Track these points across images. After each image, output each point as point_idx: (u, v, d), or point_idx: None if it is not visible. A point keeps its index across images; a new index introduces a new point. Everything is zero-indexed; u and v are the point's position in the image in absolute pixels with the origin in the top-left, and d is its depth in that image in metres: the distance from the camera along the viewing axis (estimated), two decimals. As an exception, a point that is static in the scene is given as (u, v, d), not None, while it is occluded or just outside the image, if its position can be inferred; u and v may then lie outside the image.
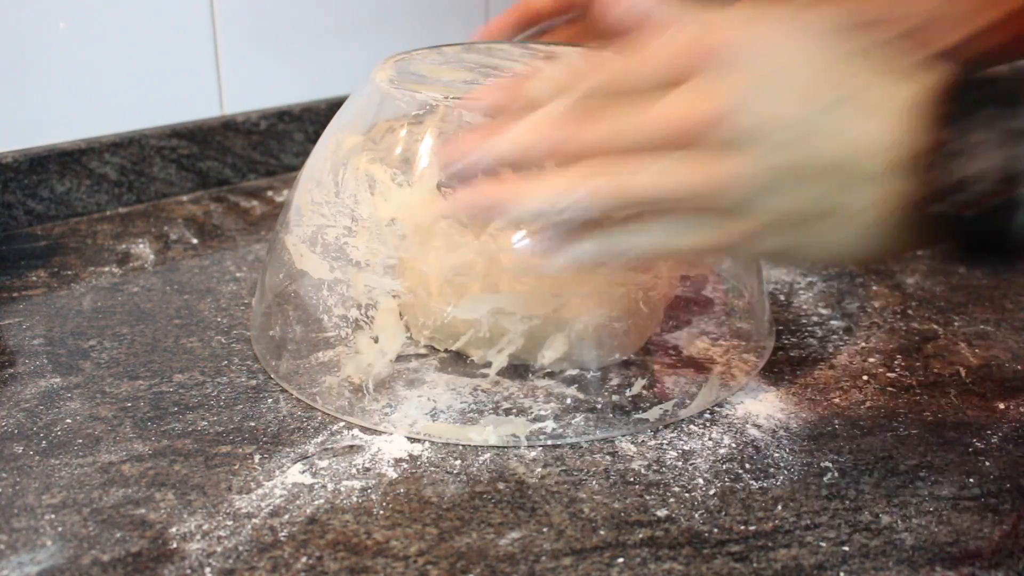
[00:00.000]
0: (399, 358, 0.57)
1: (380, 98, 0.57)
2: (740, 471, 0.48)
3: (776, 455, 0.49)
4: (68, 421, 0.51)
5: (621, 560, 0.42)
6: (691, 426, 0.51)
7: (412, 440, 0.50)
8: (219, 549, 0.42)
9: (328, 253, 0.55)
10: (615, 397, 0.54)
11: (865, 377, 0.57)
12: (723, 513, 0.45)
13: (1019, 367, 0.58)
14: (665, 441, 0.50)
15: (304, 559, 0.42)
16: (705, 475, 0.47)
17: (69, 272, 0.69)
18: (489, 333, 0.53)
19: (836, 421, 0.52)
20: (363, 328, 0.54)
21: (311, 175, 0.58)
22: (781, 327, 0.63)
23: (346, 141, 0.57)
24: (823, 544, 0.43)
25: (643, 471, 0.48)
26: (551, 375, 0.55)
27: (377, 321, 0.54)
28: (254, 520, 0.44)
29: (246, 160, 0.89)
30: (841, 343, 0.61)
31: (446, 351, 0.57)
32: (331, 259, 0.54)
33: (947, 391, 0.55)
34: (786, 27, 0.38)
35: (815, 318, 0.64)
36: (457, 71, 0.59)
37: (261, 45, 0.88)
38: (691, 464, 0.48)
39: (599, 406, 0.53)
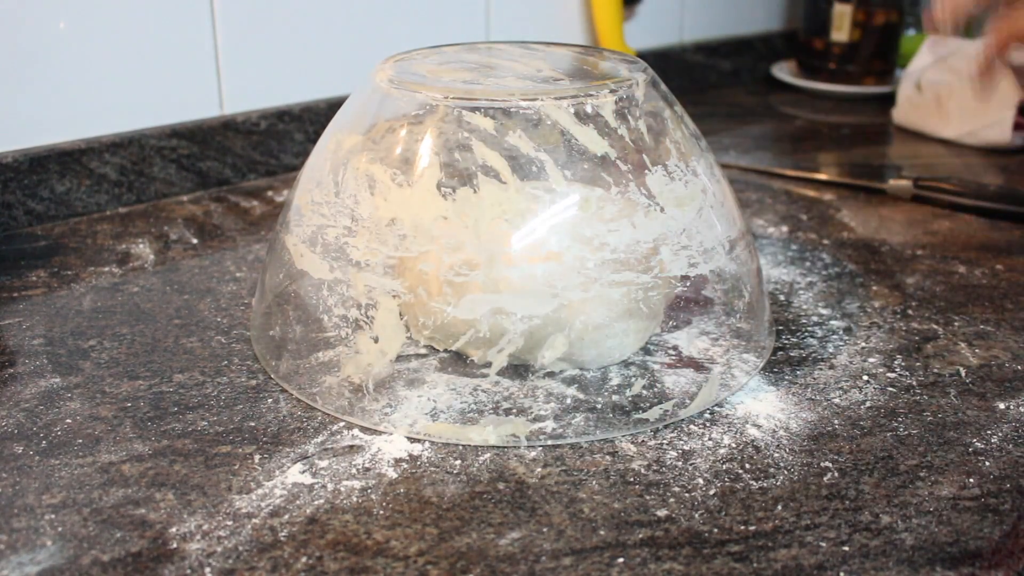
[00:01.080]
0: (399, 358, 0.57)
1: (380, 98, 0.57)
2: (740, 471, 0.48)
3: (776, 455, 0.49)
4: (68, 421, 0.51)
5: (621, 560, 0.42)
6: (691, 426, 0.51)
7: (412, 440, 0.50)
8: (219, 549, 0.42)
9: (328, 253, 0.55)
10: (615, 397, 0.54)
11: (865, 377, 0.57)
12: (723, 513, 0.45)
13: (1019, 367, 0.58)
14: (665, 441, 0.50)
15: (304, 559, 0.42)
16: (705, 475, 0.47)
17: (69, 272, 0.70)
18: (489, 333, 0.53)
19: (836, 421, 0.52)
20: (363, 328, 0.54)
21: (311, 175, 0.58)
22: (781, 327, 0.63)
23: (346, 141, 0.57)
24: (823, 544, 0.43)
25: (643, 471, 0.48)
26: (551, 375, 0.55)
27: (377, 321, 0.54)
28: (254, 520, 0.44)
29: (246, 160, 0.89)
30: (841, 343, 0.61)
31: (446, 351, 0.57)
32: (331, 259, 0.54)
33: (947, 391, 0.55)
34: None
35: (815, 318, 0.64)
36: (457, 71, 0.59)
37: (261, 45, 0.88)
38: (691, 464, 0.48)
39: (599, 406, 0.53)
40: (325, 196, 0.56)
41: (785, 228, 0.80)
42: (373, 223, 0.54)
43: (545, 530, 0.43)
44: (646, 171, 0.55)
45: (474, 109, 0.53)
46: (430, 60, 0.61)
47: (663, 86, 0.60)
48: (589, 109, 0.55)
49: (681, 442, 0.50)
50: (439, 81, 0.56)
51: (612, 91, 0.56)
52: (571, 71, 0.60)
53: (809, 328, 0.62)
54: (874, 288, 0.68)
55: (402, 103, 0.55)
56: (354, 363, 0.54)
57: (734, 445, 0.50)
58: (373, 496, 0.46)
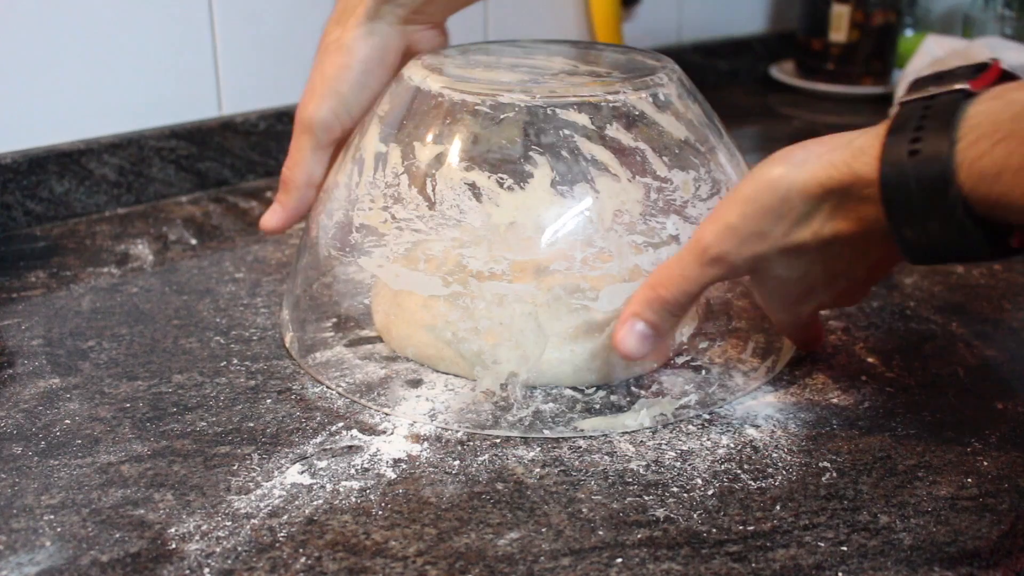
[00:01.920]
0: (398, 358, 0.57)
1: (446, 104, 0.54)
2: (739, 471, 0.48)
3: (774, 455, 0.49)
4: (67, 422, 0.51)
5: (620, 560, 0.42)
6: (689, 426, 0.51)
7: (411, 440, 0.50)
8: (218, 549, 0.42)
9: (439, 268, 0.53)
10: (613, 397, 0.54)
11: (864, 377, 0.57)
12: (721, 513, 0.45)
13: (1017, 367, 0.58)
14: (664, 441, 0.50)
15: (303, 559, 0.42)
16: (704, 475, 0.47)
17: (68, 273, 0.70)
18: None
19: (834, 421, 0.52)
20: (498, 337, 0.53)
21: (372, 192, 0.55)
22: (779, 327, 0.63)
23: (420, 152, 0.55)
24: (821, 544, 0.43)
25: (642, 471, 0.48)
26: None
27: (514, 327, 0.52)
28: (253, 520, 0.44)
29: (245, 161, 0.89)
30: (840, 343, 0.61)
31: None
32: (444, 273, 0.53)
33: (945, 391, 0.55)
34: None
35: (813, 318, 0.64)
36: (505, 71, 0.58)
37: (259, 46, 0.88)
38: (689, 464, 0.48)
39: (597, 405, 0.53)
40: (415, 212, 0.54)
41: (783, 228, 0.80)
42: (488, 231, 0.53)
43: (544, 530, 0.43)
44: (715, 149, 0.56)
45: (566, 106, 0.53)
46: (463, 61, 0.59)
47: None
48: (662, 97, 0.55)
49: (679, 442, 0.50)
50: (499, 82, 0.55)
51: (669, 78, 0.56)
52: (612, 65, 0.60)
53: (807, 328, 0.63)
54: (872, 288, 0.68)
55: (476, 108, 0.53)
56: (492, 374, 0.53)
57: (732, 445, 0.50)
58: (372, 496, 0.46)
